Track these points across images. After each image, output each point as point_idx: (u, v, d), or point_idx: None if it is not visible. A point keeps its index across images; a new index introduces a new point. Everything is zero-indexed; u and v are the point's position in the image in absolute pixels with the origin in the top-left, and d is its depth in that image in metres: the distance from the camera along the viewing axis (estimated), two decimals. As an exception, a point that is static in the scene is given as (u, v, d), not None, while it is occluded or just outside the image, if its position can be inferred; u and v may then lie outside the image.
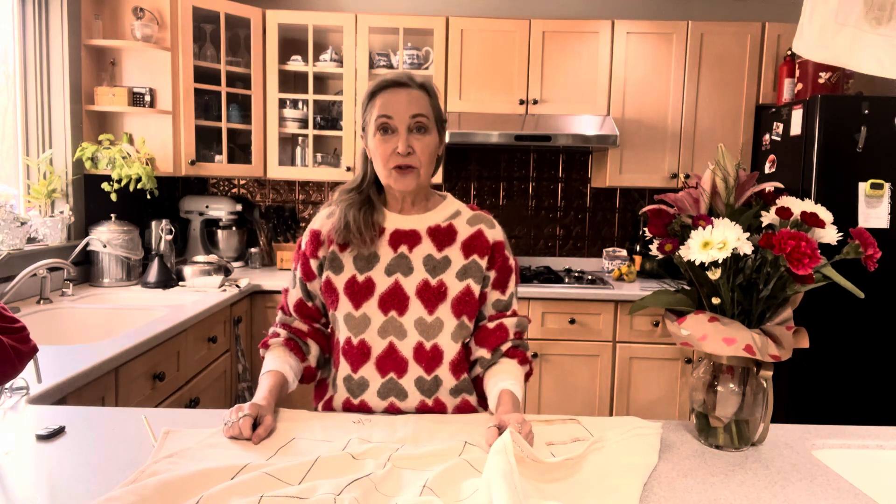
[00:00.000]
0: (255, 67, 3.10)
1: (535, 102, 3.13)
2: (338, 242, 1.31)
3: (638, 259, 3.32)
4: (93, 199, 2.80)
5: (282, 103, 3.20)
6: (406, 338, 1.27)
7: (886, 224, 2.68)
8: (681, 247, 1.08)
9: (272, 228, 3.46)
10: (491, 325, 1.32)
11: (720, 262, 1.03)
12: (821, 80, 2.87)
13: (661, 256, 1.12)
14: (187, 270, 2.84)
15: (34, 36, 2.55)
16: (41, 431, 1.08)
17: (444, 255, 1.30)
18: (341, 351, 1.31)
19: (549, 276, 3.08)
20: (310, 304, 1.37)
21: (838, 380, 2.74)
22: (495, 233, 1.35)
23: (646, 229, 1.18)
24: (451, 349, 1.29)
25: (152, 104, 2.83)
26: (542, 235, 3.56)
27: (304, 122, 3.22)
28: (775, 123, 2.98)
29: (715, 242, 1.02)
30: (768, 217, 1.08)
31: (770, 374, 1.08)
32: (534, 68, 3.12)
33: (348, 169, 3.17)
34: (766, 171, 3.02)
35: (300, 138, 3.32)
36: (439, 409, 1.29)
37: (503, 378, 1.26)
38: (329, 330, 1.39)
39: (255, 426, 1.10)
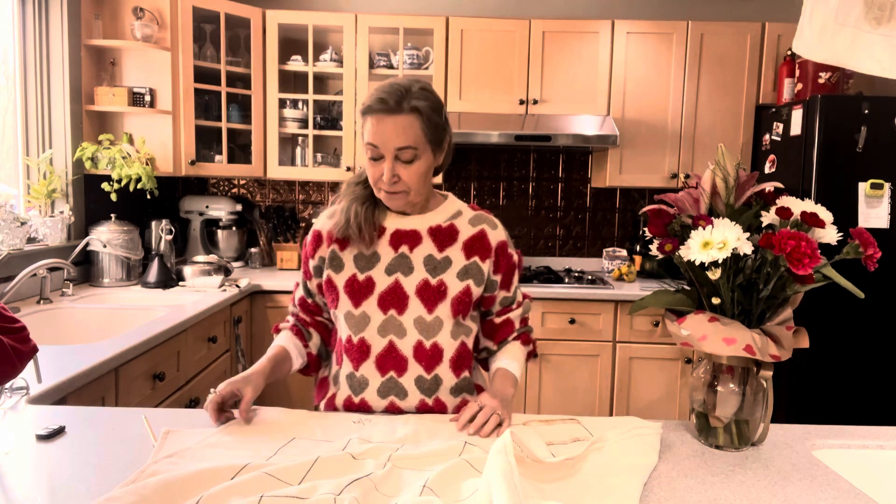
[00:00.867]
0: (255, 67, 3.10)
1: (535, 102, 3.13)
2: (337, 237, 1.32)
3: (638, 259, 3.32)
4: (93, 199, 2.80)
5: (282, 103, 3.20)
6: (406, 336, 1.28)
7: (886, 224, 2.68)
8: (681, 247, 1.08)
9: (272, 228, 3.46)
10: (498, 320, 1.39)
11: (720, 262, 1.03)
12: (821, 80, 2.87)
13: (661, 256, 1.12)
14: (187, 270, 2.84)
15: (34, 36, 2.55)
16: (41, 431, 1.08)
17: (444, 256, 1.30)
18: (343, 349, 1.32)
19: (549, 276, 3.08)
20: (310, 300, 1.41)
21: (838, 380, 2.74)
22: (497, 233, 1.35)
23: (646, 229, 1.18)
24: (450, 347, 1.29)
25: (152, 104, 2.83)
26: (542, 235, 3.56)
27: (304, 122, 3.22)
28: (775, 123, 2.98)
29: (715, 242, 1.02)
30: (768, 217, 1.08)
31: (770, 374, 1.08)
32: (534, 68, 3.12)
33: (348, 169, 3.17)
34: (766, 171, 3.02)
35: (300, 138, 3.32)
36: (440, 408, 1.29)
37: (502, 359, 1.36)
38: (332, 325, 1.42)
39: (235, 405, 1.16)
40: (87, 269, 2.72)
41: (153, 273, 2.71)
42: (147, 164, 2.79)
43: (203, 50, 3.04)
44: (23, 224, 2.38)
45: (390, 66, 3.20)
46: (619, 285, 3.03)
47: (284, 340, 1.36)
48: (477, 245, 1.32)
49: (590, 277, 3.13)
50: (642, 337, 2.91)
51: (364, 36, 3.11)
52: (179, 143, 2.89)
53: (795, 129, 2.81)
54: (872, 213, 2.68)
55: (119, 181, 2.71)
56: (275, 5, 3.29)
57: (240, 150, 3.31)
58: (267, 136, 3.17)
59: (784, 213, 1.06)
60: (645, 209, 1.18)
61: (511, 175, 3.53)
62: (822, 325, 2.69)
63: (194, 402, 2.23)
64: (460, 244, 1.31)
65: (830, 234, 1.07)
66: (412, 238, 1.31)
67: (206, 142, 3.15)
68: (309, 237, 1.37)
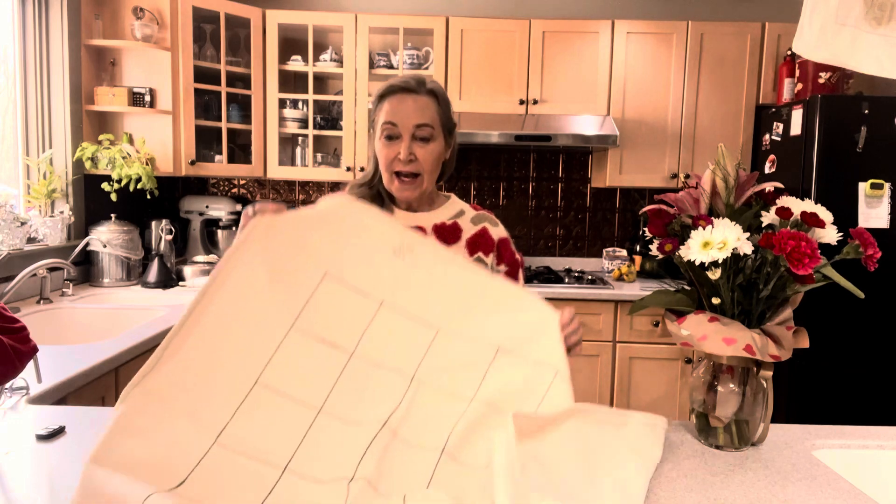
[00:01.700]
0: (255, 67, 3.10)
1: (535, 102, 3.13)
2: None
3: (638, 259, 3.32)
4: (93, 199, 2.80)
5: (282, 103, 3.20)
6: None
7: (886, 224, 2.68)
8: (681, 247, 1.08)
9: (272, 228, 3.45)
10: None
11: (720, 262, 1.03)
12: (821, 80, 2.87)
13: (661, 256, 1.12)
14: (187, 270, 2.84)
15: (34, 36, 2.55)
16: (41, 431, 1.08)
17: None
18: None
19: (549, 276, 3.08)
20: None
21: (838, 380, 2.74)
22: (499, 230, 1.39)
23: (646, 229, 1.18)
24: None
25: (152, 104, 2.83)
26: (542, 235, 3.56)
27: (304, 122, 3.22)
28: (775, 123, 2.98)
29: (715, 242, 1.02)
30: (768, 217, 1.08)
31: (770, 374, 1.08)
32: (534, 68, 3.12)
33: (348, 169, 3.17)
34: (766, 171, 3.02)
35: (300, 138, 3.32)
36: None
37: None
38: None
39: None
40: (87, 269, 2.72)
41: (153, 273, 2.71)
42: (147, 164, 2.79)
43: (203, 50, 3.04)
44: (23, 224, 2.38)
45: (390, 66, 3.20)
46: (619, 285, 3.03)
47: None
48: (479, 241, 1.35)
49: (590, 277, 3.13)
50: (642, 337, 2.91)
51: (364, 36, 3.11)
52: (179, 143, 2.89)
53: (795, 129, 2.81)
54: (872, 213, 2.68)
55: (119, 181, 2.71)
56: (275, 5, 3.29)
57: (240, 150, 3.31)
58: (267, 136, 3.17)
59: (784, 213, 1.06)
60: (645, 209, 1.18)
61: (511, 175, 3.53)
62: (822, 325, 2.69)
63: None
64: (463, 242, 1.34)
65: (830, 234, 1.07)
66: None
67: (206, 142, 3.15)
68: None
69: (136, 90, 2.80)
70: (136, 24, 2.73)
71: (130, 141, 2.85)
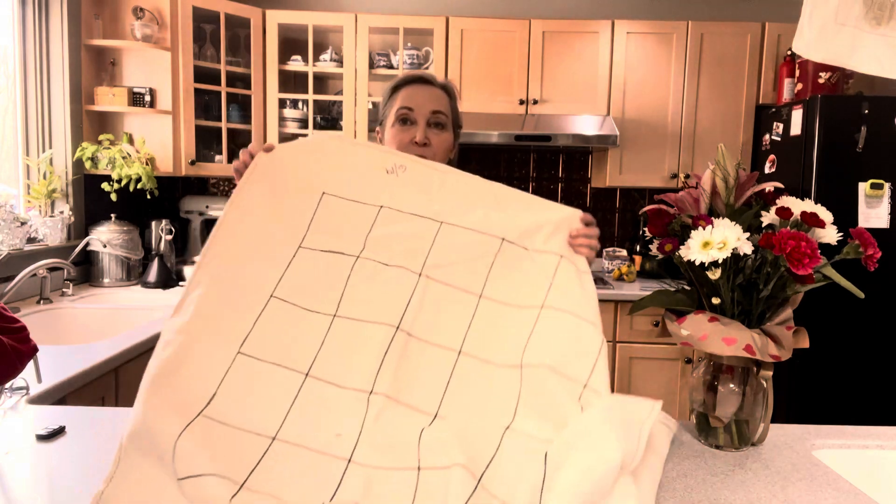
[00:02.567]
0: (255, 67, 3.10)
1: (535, 102, 3.13)
2: None
3: (638, 259, 3.32)
4: (93, 199, 2.80)
5: (282, 103, 3.19)
6: None
7: (886, 224, 2.68)
8: (681, 247, 1.08)
9: (272, 228, 3.46)
10: None
11: (720, 262, 1.03)
12: (821, 80, 2.87)
13: (661, 256, 1.12)
14: (187, 270, 2.84)
15: (34, 36, 2.55)
16: (41, 431, 1.08)
17: None
18: None
19: (549, 276, 3.08)
20: None
21: (838, 380, 2.74)
22: None
23: (646, 229, 1.18)
24: None
25: (152, 104, 2.83)
26: (542, 235, 3.55)
27: (304, 122, 3.22)
28: (775, 123, 2.98)
29: (715, 242, 1.02)
30: (768, 217, 1.08)
31: (770, 374, 1.08)
32: (534, 68, 3.12)
33: (348, 169, 3.17)
34: (766, 171, 3.02)
35: (300, 138, 3.31)
36: None
37: None
38: None
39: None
40: (87, 269, 2.72)
41: (153, 273, 2.71)
42: (147, 164, 2.79)
43: (203, 50, 3.04)
44: (23, 224, 2.38)
45: (390, 66, 3.20)
46: (619, 285, 3.03)
47: None
48: None
49: (590, 277, 3.13)
50: (642, 337, 2.90)
51: (364, 36, 3.11)
52: (179, 143, 2.89)
53: (795, 129, 2.81)
54: (872, 213, 2.68)
55: (119, 181, 2.71)
56: (275, 5, 3.29)
57: (240, 149, 3.30)
58: (267, 137, 3.17)
59: (784, 213, 1.06)
60: (645, 209, 1.18)
61: (511, 175, 3.53)
62: (822, 325, 2.69)
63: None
64: None
65: (830, 234, 1.07)
66: None
67: (206, 142, 3.15)
68: None
69: (136, 90, 2.80)
70: (136, 24, 2.73)
71: (130, 141, 2.85)
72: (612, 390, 1.00)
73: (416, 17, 3.14)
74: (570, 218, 1.07)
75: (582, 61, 3.12)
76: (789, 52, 3.05)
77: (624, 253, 3.32)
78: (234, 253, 1.00)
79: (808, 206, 1.07)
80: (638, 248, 3.36)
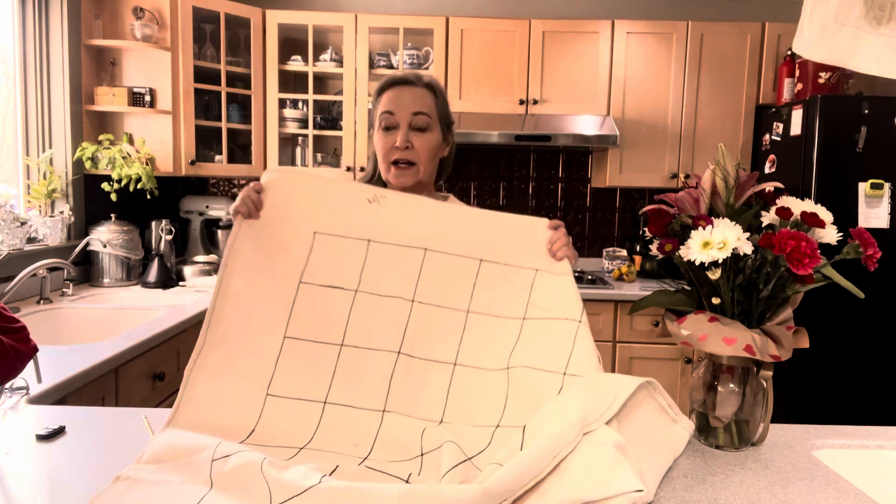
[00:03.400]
0: (255, 67, 3.10)
1: (535, 102, 3.13)
2: None
3: (638, 259, 3.32)
4: (93, 199, 2.80)
5: (282, 103, 3.19)
6: None
7: (886, 224, 2.68)
8: (681, 247, 1.08)
9: (272, 228, 3.45)
10: None
11: (720, 262, 1.02)
12: (821, 80, 2.87)
13: (661, 256, 1.12)
14: (187, 270, 2.84)
15: (34, 36, 2.55)
16: (41, 431, 1.08)
17: None
18: None
19: (549, 276, 3.07)
20: None
21: (838, 380, 2.74)
22: None
23: (646, 229, 1.18)
24: None
25: (152, 104, 2.83)
26: (542, 235, 3.55)
27: (304, 122, 3.22)
28: (775, 123, 2.98)
29: (715, 242, 1.02)
30: (768, 217, 1.08)
31: (770, 374, 1.08)
32: (534, 68, 3.12)
33: (348, 169, 3.17)
34: (766, 171, 3.02)
35: (300, 138, 3.32)
36: None
37: None
38: None
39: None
40: (87, 269, 2.72)
41: (153, 273, 2.71)
42: (147, 164, 2.79)
43: (203, 50, 3.04)
44: (23, 224, 2.38)
45: (390, 66, 3.20)
46: (619, 285, 3.03)
47: None
48: None
49: (590, 277, 3.13)
50: (642, 337, 2.91)
51: (364, 36, 3.11)
52: (179, 143, 2.89)
53: (795, 129, 2.81)
54: (872, 213, 2.68)
55: (119, 181, 2.71)
56: (275, 5, 3.29)
57: (240, 150, 3.31)
58: (267, 136, 3.17)
59: (784, 213, 1.06)
60: (645, 209, 1.18)
61: (511, 175, 3.53)
62: (822, 325, 2.69)
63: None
64: None
65: (830, 234, 1.07)
66: None
67: (206, 142, 3.15)
68: None
69: (136, 90, 2.80)
70: (136, 24, 2.73)
71: (130, 141, 2.85)
72: (613, 370, 1.09)
73: (416, 17, 3.14)
74: (537, 227, 1.18)
75: (582, 61, 3.12)
76: (789, 52, 3.05)
77: (624, 253, 3.32)
78: (242, 301, 1.09)
79: (808, 206, 1.07)
80: (638, 248, 3.36)
